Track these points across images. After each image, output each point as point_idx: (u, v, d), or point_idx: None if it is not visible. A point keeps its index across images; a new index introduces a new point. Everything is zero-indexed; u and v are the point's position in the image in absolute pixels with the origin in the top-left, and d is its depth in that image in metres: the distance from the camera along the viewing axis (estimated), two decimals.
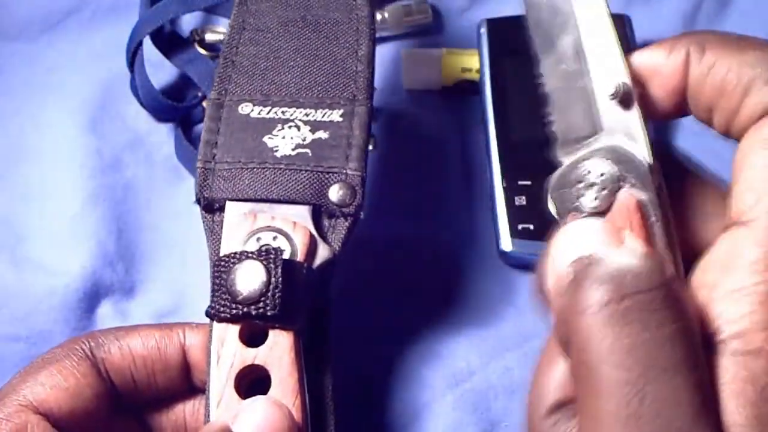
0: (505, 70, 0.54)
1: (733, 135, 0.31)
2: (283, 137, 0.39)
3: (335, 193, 0.38)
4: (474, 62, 0.55)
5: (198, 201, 0.39)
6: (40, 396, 0.33)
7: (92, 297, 0.50)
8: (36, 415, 0.33)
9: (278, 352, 0.34)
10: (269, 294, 0.34)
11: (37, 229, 0.52)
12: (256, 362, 0.34)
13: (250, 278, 0.34)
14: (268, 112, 0.40)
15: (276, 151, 0.39)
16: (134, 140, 0.56)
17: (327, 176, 0.38)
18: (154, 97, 0.55)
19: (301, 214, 0.38)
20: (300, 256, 0.36)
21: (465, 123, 0.56)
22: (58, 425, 0.33)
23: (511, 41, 0.55)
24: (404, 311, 0.50)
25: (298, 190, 0.38)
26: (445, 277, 0.52)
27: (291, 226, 0.37)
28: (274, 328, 0.35)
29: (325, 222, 0.39)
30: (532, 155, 0.52)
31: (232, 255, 0.35)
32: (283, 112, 0.40)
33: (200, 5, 0.57)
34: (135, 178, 0.54)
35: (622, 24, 0.55)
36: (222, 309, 0.34)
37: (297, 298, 0.35)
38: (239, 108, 0.40)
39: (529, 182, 0.51)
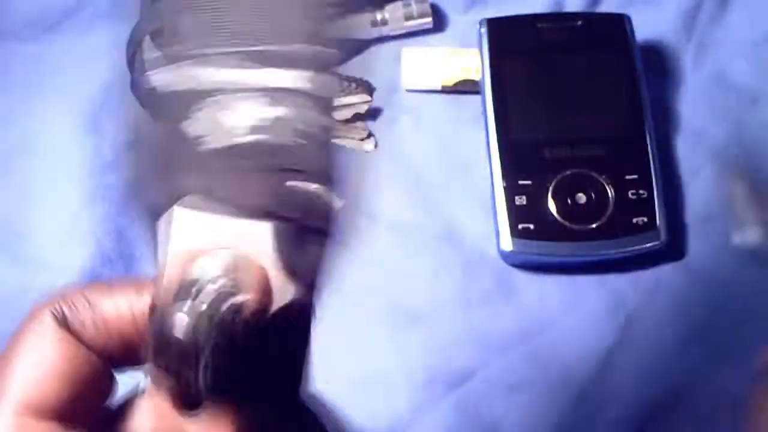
0: (505, 70, 0.54)
1: None
2: (240, 115, 0.26)
3: (305, 202, 0.26)
4: (474, 62, 0.55)
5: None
6: (34, 394, 0.27)
7: None
8: (40, 421, 0.27)
9: None
10: (197, 367, 0.24)
11: (37, 227, 0.52)
12: None
13: (176, 338, 0.24)
14: (213, 75, 0.26)
15: (238, 134, 0.26)
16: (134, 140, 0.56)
17: (292, 177, 0.26)
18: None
19: (260, 234, 0.25)
20: (251, 301, 0.25)
21: (465, 123, 0.56)
22: (65, 420, 0.27)
23: (512, 41, 0.55)
24: (405, 310, 0.50)
25: (253, 198, 0.25)
26: (445, 276, 0.52)
27: (238, 260, 0.25)
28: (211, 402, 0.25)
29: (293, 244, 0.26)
30: (532, 155, 0.52)
31: (163, 302, 0.25)
32: (239, 74, 0.26)
33: None
34: None
35: (622, 24, 0.55)
36: (150, 364, 0.25)
37: (240, 368, 0.25)
38: (171, 73, 0.28)
39: (529, 182, 0.51)
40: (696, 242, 0.52)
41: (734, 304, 0.50)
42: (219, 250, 0.25)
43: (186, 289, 0.24)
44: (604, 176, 0.51)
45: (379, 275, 0.51)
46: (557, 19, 0.57)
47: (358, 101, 0.56)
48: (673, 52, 0.58)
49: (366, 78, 0.57)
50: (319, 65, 0.27)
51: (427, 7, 0.58)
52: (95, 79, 0.57)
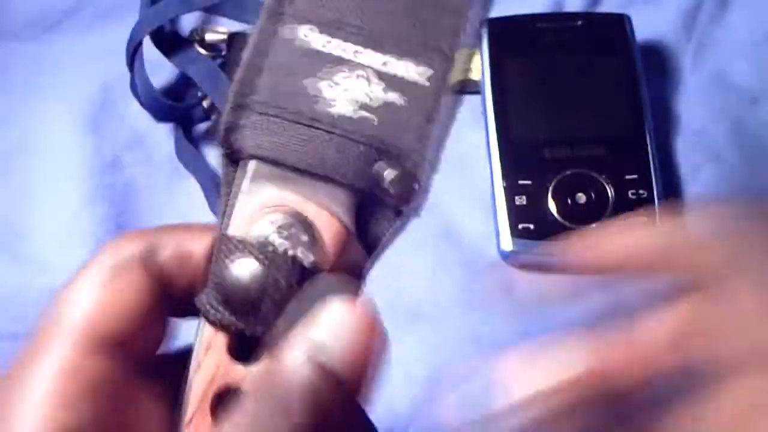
0: (505, 70, 0.54)
1: None
2: (346, 89, 0.27)
3: (394, 182, 0.28)
4: (474, 62, 0.55)
5: (221, 146, 0.29)
6: (98, 324, 0.25)
7: None
8: (96, 354, 0.25)
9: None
10: (262, 309, 0.25)
11: (37, 227, 0.52)
12: (243, 386, 0.26)
13: (243, 282, 0.25)
14: (334, 46, 0.28)
15: (332, 106, 0.27)
16: (134, 140, 0.56)
17: (387, 157, 0.28)
18: (154, 97, 0.55)
19: (340, 199, 0.27)
20: (322, 257, 0.26)
21: (465, 123, 0.56)
22: (122, 357, 0.26)
23: (512, 41, 0.55)
24: (405, 310, 0.50)
25: (346, 168, 0.27)
26: (445, 276, 0.52)
27: (321, 215, 0.27)
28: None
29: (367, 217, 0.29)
30: (532, 155, 0.52)
31: (232, 242, 0.26)
32: (355, 53, 0.28)
33: (200, 5, 0.57)
34: (135, 178, 0.54)
35: (622, 24, 0.55)
36: (210, 308, 0.26)
37: None
38: (298, 32, 0.28)
39: (529, 182, 0.51)
40: None
41: None
42: (295, 203, 0.26)
43: (258, 238, 0.26)
44: (604, 176, 0.51)
45: (378, 275, 0.51)
46: (557, 19, 0.57)
47: None
48: (673, 52, 0.58)
49: None
50: (441, 68, 0.30)
51: None
52: (95, 79, 0.57)
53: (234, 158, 0.28)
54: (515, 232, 0.50)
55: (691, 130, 0.55)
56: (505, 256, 0.51)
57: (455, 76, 0.30)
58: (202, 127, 0.57)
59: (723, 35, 0.58)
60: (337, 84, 0.27)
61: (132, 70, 0.55)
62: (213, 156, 0.55)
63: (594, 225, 0.50)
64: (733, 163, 0.54)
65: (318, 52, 0.27)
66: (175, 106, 0.55)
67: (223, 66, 0.56)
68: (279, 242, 0.26)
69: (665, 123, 0.55)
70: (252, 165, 0.27)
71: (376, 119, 0.27)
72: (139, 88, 0.54)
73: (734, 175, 0.54)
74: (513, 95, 0.54)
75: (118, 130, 0.56)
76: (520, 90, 0.54)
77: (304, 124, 0.27)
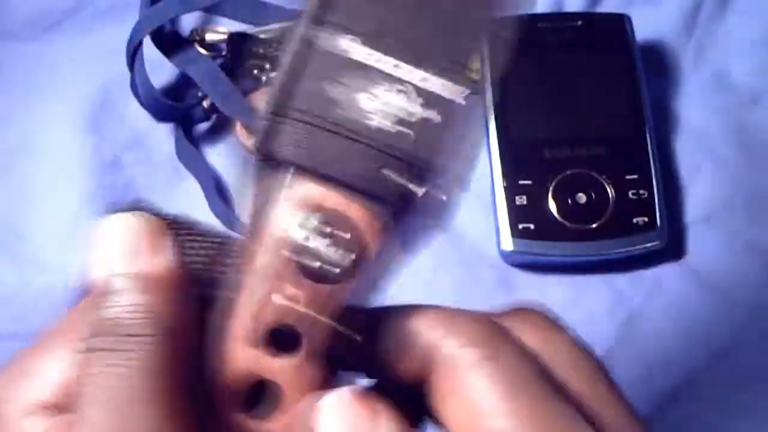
0: (506, 70, 0.54)
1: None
2: (385, 103, 0.28)
3: (425, 198, 0.28)
4: (474, 62, 0.55)
5: (258, 150, 0.28)
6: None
7: None
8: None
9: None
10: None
11: (37, 227, 0.52)
12: (278, 380, 0.27)
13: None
14: (375, 59, 0.28)
15: (371, 119, 0.28)
16: (134, 140, 0.56)
17: (421, 173, 0.28)
18: (154, 97, 0.55)
19: (364, 203, 0.28)
20: (362, 254, 0.27)
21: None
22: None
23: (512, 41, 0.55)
24: None
25: (382, 183, 0.28)
26: (445, 276, 0.52)
27: (364, 215, 0.28)
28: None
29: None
30: (532, 155, 0.52)
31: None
32: (395, 66, 0.28)
33: (200, 5, 0.57)
34: (135, 178, 0.54)
35: (622, 24, 0.55)
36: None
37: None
38: (340, 42, 0.28)
39: (529, 182, 0.51)
40: (696, 242, 0.52)
41: (734, 303, 0.50)
42: (337, 204, 0.27)
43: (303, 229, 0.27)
44: (604, 176, 0.51)
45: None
46: (557, 19, 0.57)
47: None
48: (673, 52, 0.58)
49: None
50: (473, 87, 0.29)
51: None
52: (95, 79, 0.57)
53: (269, 165, 0.28)
54: (515, 232, 0.50)
55: (691, 130, 0.56)
56: (505, 256, 0.51)
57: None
58: (202, 127, 0.57)
59: (723, 35, 0.58)
60: (376, 97, 0.27)
61: (132, 70, 0.55)
62: (213, 156, 0.55)
63: (594, 225, 0.50)
64: (733, 163, 0.54)
65: (359, 64, 0.27)
66: (175, 106, 0.55)
67: (223, 66, 0.56)
68: (317, 242, 0.27)
69: (665, 123, 0.55)
70: (292, 170, 0.27)
71: (413, 134, 0.27)
72: (139, 88, 0.54)
73: (734, 175, 0.54)
74: (513, 95, 0.54)
75: (118, 130, 0.56)
76: (520, 90, 0.54)
77: (344, 135, 0.27)
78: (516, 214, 0.51)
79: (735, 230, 0.52)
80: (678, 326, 0.50)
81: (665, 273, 0.51)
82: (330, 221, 0.27)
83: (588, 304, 0.51)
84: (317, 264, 0.26)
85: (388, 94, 0.27)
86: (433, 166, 0.27)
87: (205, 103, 0.55)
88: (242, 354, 0.26)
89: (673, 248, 0.52)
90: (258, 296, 0.26)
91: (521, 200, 0.51)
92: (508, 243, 0.50)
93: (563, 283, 0.51)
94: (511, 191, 0.51)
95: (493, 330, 0.27)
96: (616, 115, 0.54)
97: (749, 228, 0.52)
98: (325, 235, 0.27)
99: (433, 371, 0.26)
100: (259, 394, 0.27)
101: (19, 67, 0.59)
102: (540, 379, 0.25)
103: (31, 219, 0.52)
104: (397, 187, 0.27)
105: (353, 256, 0.27)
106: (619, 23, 0.55)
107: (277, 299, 0.26)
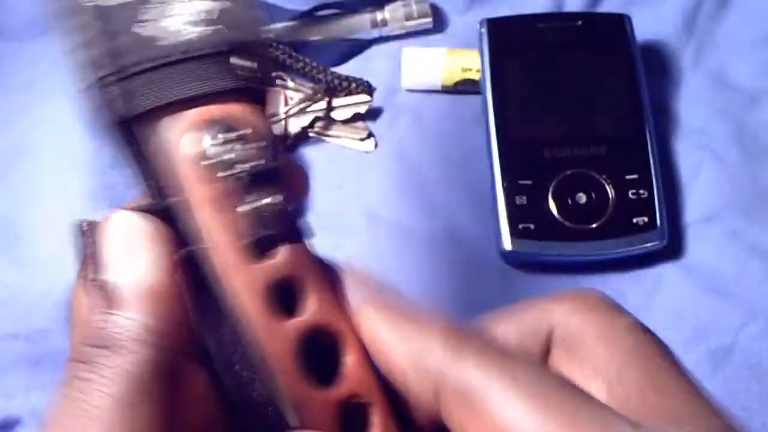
0: (506, 70, 0.54)
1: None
2: (188, 14, 0.30)
3: (254, 69, 0.30)
4: (474, 62, 0.55)
5: (121, 119, 0.30)
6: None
7: None
8: None
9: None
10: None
11: (37, 227, 0.52)
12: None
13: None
14: None
15: (188, 33, 0.30)
16: None
17: (249, 48, 0.30)
18: None
19: (242, 101, 0.30)
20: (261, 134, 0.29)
21: (465, 123, 0.56)
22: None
23: (512, 41, 0.55)
24: None
25: (220, 79, 0.29)
26: (445, 276, 0.52)
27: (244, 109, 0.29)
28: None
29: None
30: (532, 155, 0.52)
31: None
32: None
33: None
34: None
35: (622, 24, 0.55)
36: None
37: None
38: None
39: (529, 182, 0.51)
40: (696, 242, 0.52)
41: (734, 303, 0.50)
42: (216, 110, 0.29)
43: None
44: (604, 176, 0.51)
45: (379, 275, 0.51)
46: (557, 19, 0.57)
47: (358, 101, 0.56)
48: (673, 52, 0.58)
49: (366, 78, 0.57)
50: None
51: (427, 7, 0.58)
52: None
53: (128, 125, 0.30)
54: (515, 232, 0.50)
55: (691, 130, 0.56)
56: (505, 256, 0.51)
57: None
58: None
59: (723, 35, 0.58)
60: (179, 14, 0.29)
61: None
62: None
63: (594, 225, 0.50)
64: (733, 163, 0.54)
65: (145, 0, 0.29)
66: None
67: None
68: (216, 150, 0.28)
69: (665, 123, 0.55)
70: (156, 118, 0.29)
71: (222, 25, 0.29)
72: None
73: (734, 175, 0.54)
74: (513, 95, 0.54)
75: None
76: (520, 90, 0.54)
77: (179, 59, 0.29)
78: (516, 214, 0.51)
79: (735, 230, 0.52)
80: (678, 326, 0.50)
81: (665, 273, 0.51)
82: (226, 128, 0.28)
83: None
84: (246, 166, 0.28)
85: (184, 6, 0.29)
86: (253, 35, 0.30)
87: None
88: (249, 272, 0.27)
89: (673, 248, 0.52)
90: (222, 218, 0.27)
91: (521, 200, 0.51)
92: (508, 243, 0.50)
93: (563, 283, 0.51)
94: (511, 191, 0.51)
95: (502, 348, 0.26)
96: (616, 115, 0.54)
97: (749, 228, 0.52)
98: (231, 141, 0.28)
99: (442, 397, 0.25)
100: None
101: (19, 67, 0.59)
102: (563, 387, 0.24)
103: (31, 218, 0.52)
104: (245, 71, 0.29)
105: (266, 143, 0.28)
106: (619, 23, 0.55)
107: (241, 208, 0.27)
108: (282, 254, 0.28)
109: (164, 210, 0.28)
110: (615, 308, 0.27)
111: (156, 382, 0.24)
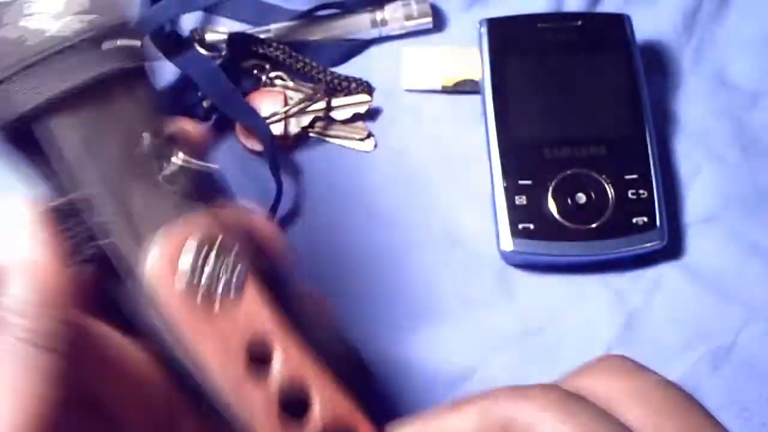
0: (505, 70, 0.54)
1: None
2: (48, 9, 0.29)
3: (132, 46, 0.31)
4: (474, 62, 0.55)
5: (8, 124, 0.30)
6: None
7: None
8: None
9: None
10: None
11: None
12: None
13: None
14: None
15: (53, 27, 0.29)
16: None
17: (121, 29, 0.31)
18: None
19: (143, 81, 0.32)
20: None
21: (465, 123, 0.56)
22: None
23: (512, 41, 0.55)
24: (405, 310, 0.50)
25: (105, 62, 0.30)
26: (445, 276, 0.52)
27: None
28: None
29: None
30: (532, 155, 0.52)
31: None
32: None
33: (200, 5, 0.57)
34: None
35: (622, 24, 0.55)
36: None
37: None
38: None
39: (529, 182, 0.51)
40: (696, 242, 0.52)
41: (734, 303, 0.50)
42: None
43: None
44: (604, 176, 0.51)
45: (378, 275, 0.51)
46: (557, 19, 0.57)
47: (357, 101, 0.56)
48: (673, 52, 0.58)
49: (366, 78, 0.57)
50: None
51: (427, 7, 0.58)
52: None
53: (21, 132, 0.29)
54: (515, 232, 0.50)
55: (691, 130, 0.56)
56: (505, 256, 0.51)
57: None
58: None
59: (723, 35, 0.58)
60: (39, 12, 0.29)
61: None
62: (213, 156, 0.55)
63: (594, 225, 0.50)
64: (733, 163, 0.54)
65: (2, 3, 0.29)
66: (175, 107, 0.55)
67: (223, 66, 0.56)
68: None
69: (665, 123, 0.55)
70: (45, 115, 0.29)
71: (93, 14, 0.29)
72: None
73: (734, 175, 0.54)
74: (513, 95, 0.54)
75: None
76: (520, 90, 0.54)
77: (53, 54, 0.28)
78: (516, 214, 0.51)
79: (735, 230, 0.52)
80: (678, 326, 0.50)
81: (665, 273, 0.51)
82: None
83: (588, 304, 0.51)
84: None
85: (42, 4, 0.29)
86: (117, 18, 0.30)
87: (205, 103, 0.55)
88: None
89: (673, 248, 0.52)
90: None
91: (521, 200, 0.51)
92: (508, 243, 0.50)
93: (563, 283, 0.51)
94: (511, 191, 0.51)
95: (565, 393, 0.27)
96: (616, 115, 0.54)
97: (749, 228, 0.52)
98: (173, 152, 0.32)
99: None
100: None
101: None
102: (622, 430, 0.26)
103: None
104: (124, 51, 0.30)
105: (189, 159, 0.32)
106: (619, 23, 0.55)
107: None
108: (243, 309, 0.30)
109: (68, 205, 0.29)
110: (640, 367, 0.28)
111: (48, 351, 0.25)
